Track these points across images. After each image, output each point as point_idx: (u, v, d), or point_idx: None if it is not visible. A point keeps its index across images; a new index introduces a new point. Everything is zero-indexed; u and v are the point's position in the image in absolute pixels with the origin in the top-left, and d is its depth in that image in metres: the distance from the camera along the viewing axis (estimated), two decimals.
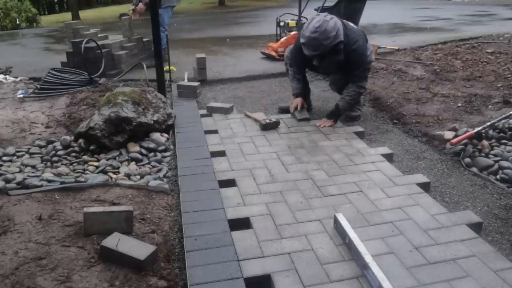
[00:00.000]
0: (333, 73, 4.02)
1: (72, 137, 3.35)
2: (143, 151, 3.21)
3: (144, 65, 5.29)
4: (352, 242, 2.06)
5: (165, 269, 2.00)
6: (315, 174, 2.90)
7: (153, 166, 3.05)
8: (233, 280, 1.90)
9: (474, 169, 3.03)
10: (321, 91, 5.03)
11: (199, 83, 4.93)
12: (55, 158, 3.11)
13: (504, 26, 9.17)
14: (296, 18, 7.29)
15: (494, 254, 2.06)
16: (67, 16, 22.06)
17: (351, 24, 3.76)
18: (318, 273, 1.95)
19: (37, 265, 1.93)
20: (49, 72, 4.94)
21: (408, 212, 2.42)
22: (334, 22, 3.48)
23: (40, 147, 3.32)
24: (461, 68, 5.36)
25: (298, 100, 4.01)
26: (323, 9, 5.81)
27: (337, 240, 2.18)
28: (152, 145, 3.28)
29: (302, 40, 3.57)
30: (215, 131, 3.70)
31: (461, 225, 2.29)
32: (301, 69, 4.06)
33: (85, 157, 3.11)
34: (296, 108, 3.99)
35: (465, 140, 3.24)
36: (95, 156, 3.15)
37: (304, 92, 4.09)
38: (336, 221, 2.26)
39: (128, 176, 2.86)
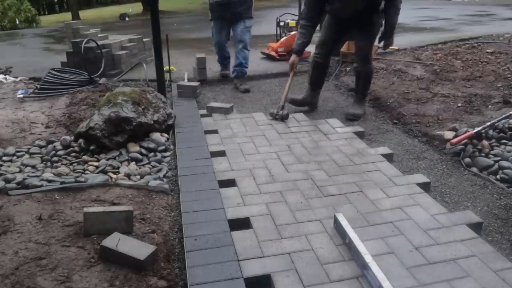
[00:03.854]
0: (354, 8, 3.82)
1: (72, 137, 3.35)
2: (143, 151, 3.21)
3: (144, 65, 5.29)
4: (352, 242, 2.06)
5: (165, 269, 2.00)
6: (315, 174, 2.90)
7: (153, 166, 3.05)
8: (233, 280, 1.90)
9: (474, 169, 3.03)
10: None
11: (199, 83, 4.93)
12: (55, 158, 3.11)
13: (504, 26, 9.16)
14: (296, 18, 7.30)
15: (494, 254, 2.06)
16: (67, 16, 22.07)
17: None
18: (318, 273, 1.95)
19: (37, 265, 1.93)
20: (49, 72, 4.94)
21: (408, 212, 2.42)
22: None
23: (40, 147, 3.32)
24: (461, 68, 5.35)
25: (292, 59, 4.11)
26: None
27: (337, 240, 2.18)
28: (152, 145, 3.28)
29: None
30: (215, 131, 3.70)
31: (461, 225, 2.29)
32: (313, 17, 3.95)
33: (85, 157, 3.11)
34: (291, 69, 4.13)
35: (465, 140, 3.24)
36: (95, 156, 3.15)
37: (303, 49, 4.11)
38: (336, 221, 2.26)
39: (128, 176, 2.86)
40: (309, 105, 4.33)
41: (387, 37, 3.94)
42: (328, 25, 4.09)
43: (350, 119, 4.02)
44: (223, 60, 5.45)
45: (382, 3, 3.78)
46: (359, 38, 4.02)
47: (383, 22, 3.92)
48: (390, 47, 4.20)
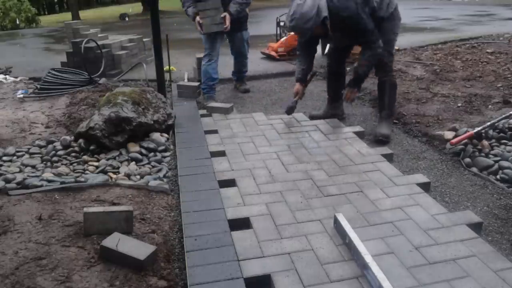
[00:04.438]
0: (345, 40, 3.76)
1: (72, 137, 3.35)
2: (143, 151, 3.21)
3: (144, 65, 5.29)
4: (352, 242, 2.06)
5: (165, 269, 2.00)
6: (315, 174, 2.90)
7: (153, 166, 3.05)
8: (233, 280, 1.90)
9: (474, 169, 3.03)
10: (321, 91, 5.03)
11: (199, 83, 4.93)
12: (55, 158, 3.11)
13: (504, 26, 9.17)
14: None
15: (494, 254, 2.06)
16: (67, 16, 22.10)
17: None
18: (318, 273, 1.95)
19: (37, 265, 1.93)
20: (49, 72, 4.95)
21: (408, 212, 2.42)
22: (311, 0, 3.21)
23: (40, 147, 3.32)
24: (461, 68, 5.36)
25: (297, 87, 3.87)
26: None
27: (337, 240, 2.18)
28: (152, 145, 3.28)
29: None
30: (215, 131, 3.69)
31: (461, 225, 2.28)
32: (307, 49, 3.79)
33: (85, 157, 3.11)
34: (295, 97, 3.90)
35: (465, 140, 3.24)
36: (95, 156, 3.15)
37: (305, 76, 3.87)
38: (336, 221, 2.26)
39: (128, 176, 2.86)
40: (332, 117, 3.98)
41: (350, 85, 3.59)
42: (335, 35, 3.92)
43: (379, 140, 3.54)
44: (210, 80, 4.62)
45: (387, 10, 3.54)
46: None
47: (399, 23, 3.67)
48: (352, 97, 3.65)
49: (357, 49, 4.22)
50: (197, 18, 4.27)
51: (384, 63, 3.63)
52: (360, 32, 3.42)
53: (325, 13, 3.24)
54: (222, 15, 4.23)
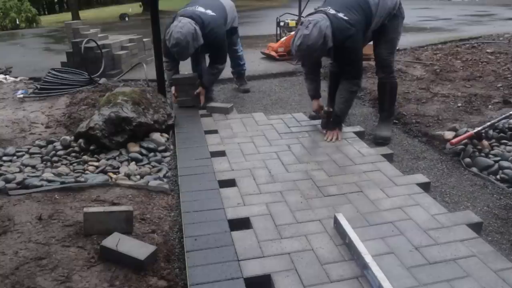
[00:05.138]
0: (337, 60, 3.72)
1: (72, 137, 3.35)
2: (143, 151, 3.21)
3: (144, 65, 5.29)
4: (352, 242, 2.06)
5: (165, 269, 2.00)
6: (315, 174, 2.90)
7: (153, 166, 3.05)
8: (233, 280, 1.90)
9: (474, 169, 3.03)
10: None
11: None
12: (55, 158, 3.11)
13: (504, 26, 9.17)
14: (296, 18, 7.29)
15: (494, 254, 2.06)
16: (67, 16, 22.11)
17: (341, 15, 3.26)
18: (318, 273, 1.95)
19: (37, 265, 1.93)
20: (49, 72, 4.95)
21: (408, 212, 2.42)
22: (317, 30, 3.13)
23: (40, 147, 3.32)
24: (461, 68, 5.36)
25: (315, 104, 3.83)
26: None
27: (337, 240, 2.18)
28: (152, 145, 3.28)
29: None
30: (215, 131, 3.69)
31: (461, 225, 2.29)
32: (313, 69, 3.78)
33: (85, 157, 3.11)
34: (317, 112, 3.81)
35: (465, 140, 3.24)
36: (95, 156, 3.15)
37: (318, 92, 3.84)
38: (336, 221, 2.26)
39: (128, 176, 2.86)
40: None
41: (330, 128, 3.56)
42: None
43: (378, 143, 3.53)
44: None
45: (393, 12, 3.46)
46: (377, 46, 3.59)
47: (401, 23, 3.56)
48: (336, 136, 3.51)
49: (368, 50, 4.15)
50: (173, 89, 4.36)
51: (385, 63, 3.60)
52: (349, 61, 3.41)
53: (330, 43, 3.22)
54: (196, 91, 4.24)
